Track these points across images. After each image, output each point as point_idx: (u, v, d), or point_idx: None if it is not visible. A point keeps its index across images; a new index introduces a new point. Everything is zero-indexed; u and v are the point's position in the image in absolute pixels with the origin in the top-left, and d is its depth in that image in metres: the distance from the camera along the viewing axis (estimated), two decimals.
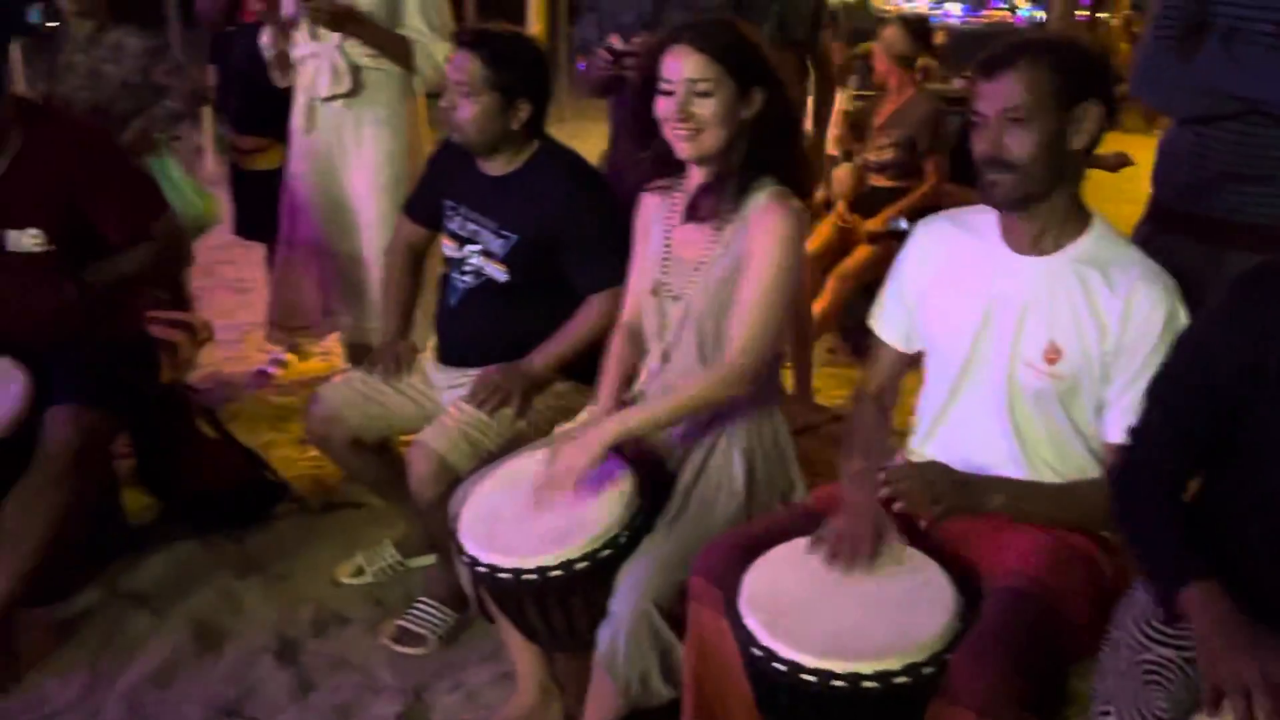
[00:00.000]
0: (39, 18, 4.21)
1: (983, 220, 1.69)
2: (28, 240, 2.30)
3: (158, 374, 2.61)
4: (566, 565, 1.74)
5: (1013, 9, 22.34)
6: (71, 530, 2.28)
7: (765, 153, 1.86)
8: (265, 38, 3.17)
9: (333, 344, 3.93)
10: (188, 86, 3.38)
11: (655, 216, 2.00)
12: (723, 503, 1.87)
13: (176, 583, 2.54)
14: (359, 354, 3.16)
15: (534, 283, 2.30)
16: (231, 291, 4.94)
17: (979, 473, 1.66)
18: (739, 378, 1.82)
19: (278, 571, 2.61)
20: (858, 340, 1.91)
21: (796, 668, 1.43)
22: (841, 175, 4.23)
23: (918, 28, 4.13)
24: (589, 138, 3.85)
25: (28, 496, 2.19)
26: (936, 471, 1.65)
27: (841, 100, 5.60)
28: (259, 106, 3.44)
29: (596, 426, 1.86)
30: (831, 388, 3.68)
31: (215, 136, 7.96)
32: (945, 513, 1.62)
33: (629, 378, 2.05)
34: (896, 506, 1.62)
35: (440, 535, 2.08)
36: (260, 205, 3.50)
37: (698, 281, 1.90)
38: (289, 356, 3.95)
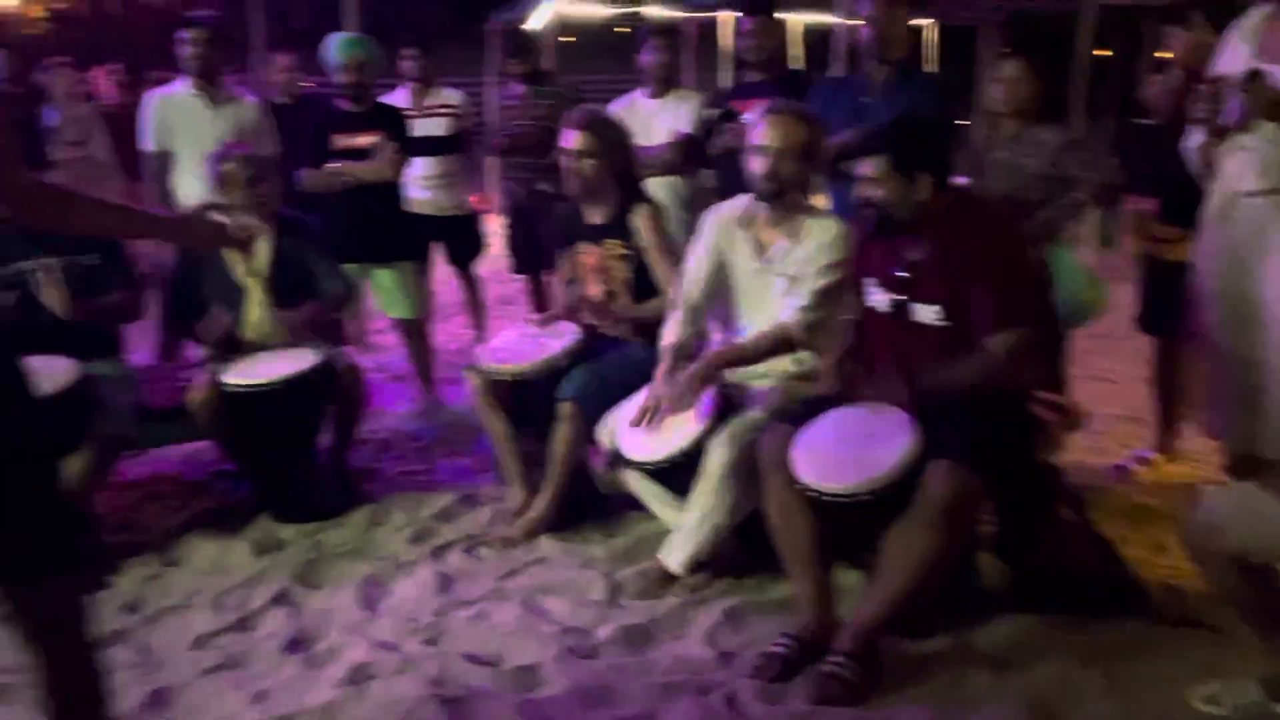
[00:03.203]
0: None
1: None
2: (929, 314, 2.59)
3: (1032, 450, 2.71)
4: None
5: None
6: (935, 576, 2.48)
7: None
8: (1194, 138, 3.07)
9: (1205, 447, 3.64)
10: (1099, 179, 3.44)
11: None
12: None
13: (1018, 653, 2.58)
14: (1245, 466, 2.88)
15: None
16: (1099, 382, 4.89)
17: None
18: None
19: (1120, 671, 2.50)
20: None
21: None
22: None
23: None
24: None
25: (904, 535, 2.45)
26: None
27: None
28: (1183, 198, 3.35)
29: None
30: None
31: (1098, 227, 7.96)
32: None
33: None
34: None
35: None
36: (1167, 296, 3.40)
37: None
38: (1155, 456, 3.77)
